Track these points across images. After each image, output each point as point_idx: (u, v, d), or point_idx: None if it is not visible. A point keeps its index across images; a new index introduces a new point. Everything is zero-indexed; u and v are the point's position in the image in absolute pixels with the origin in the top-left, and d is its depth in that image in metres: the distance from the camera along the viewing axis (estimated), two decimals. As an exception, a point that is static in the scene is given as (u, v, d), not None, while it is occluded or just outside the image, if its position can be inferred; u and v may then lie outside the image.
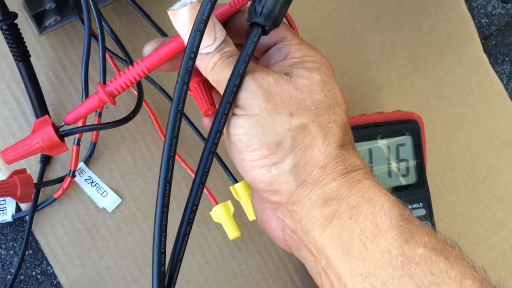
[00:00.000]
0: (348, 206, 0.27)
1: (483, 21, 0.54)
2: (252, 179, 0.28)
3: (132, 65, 0.30)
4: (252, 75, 0.28)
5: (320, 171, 0.27)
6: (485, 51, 0.53)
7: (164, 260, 0.27)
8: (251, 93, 0.28)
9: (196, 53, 0.28)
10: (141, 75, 0.30)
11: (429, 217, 0.41)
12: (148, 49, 0.31)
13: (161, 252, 0.27)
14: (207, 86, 0.35)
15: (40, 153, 0.39)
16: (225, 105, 0.28)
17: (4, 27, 0.35)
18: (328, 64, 0.30)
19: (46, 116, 0.29)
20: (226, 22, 0.31)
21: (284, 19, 0.32)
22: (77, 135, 0.37)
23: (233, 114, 0.28)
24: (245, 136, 0.27)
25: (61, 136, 0.29)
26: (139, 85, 0.37)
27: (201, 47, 0.28)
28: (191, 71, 0.28)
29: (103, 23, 0.38)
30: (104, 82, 0.37)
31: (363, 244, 0.25)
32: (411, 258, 0.25)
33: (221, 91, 0.29)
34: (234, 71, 0.28)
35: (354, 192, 0.27)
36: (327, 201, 0.27)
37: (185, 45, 0.28)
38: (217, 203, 0.39)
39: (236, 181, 0.38)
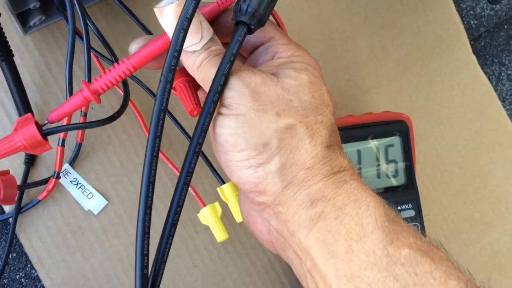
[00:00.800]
0: (333, 207, 0.26)
1: (472, 22, 0.54)
2: (238, 179, 0.28)
3: (118, 63, 0.29)
4: (238, 74, 0.28)
5: (307, 172, 0.27)
6: (474, 52, 0.53)
7: (147, 263, 0.27)
8: (237, 93, 0.27)
9: (179, 51, 0.27)
10: (126, 73, 0.29)
11: (418, 218, 0.41)
12: (134, 46, 0.30)
13: (144, 254, 0.26)
14: (193, 86, 0.34)
15: (24, 153, 0.39)
16: (210, 105, 0.28)
17: (-14, 26, 0.35)
18: (316, 64, 0.30)
19: (29, 114, 0.29)
20: (213, 21, 0.31)
21: (272, 19, 0.32)
22: (61, 135, 0.37)
23: (219, 114, 0.28)
24: (232, 136, 0.27)
25: (45, 134, 0.29)
26: (125, 85, 0.36)
27: (187, 45, 0.28)
28: (174, 69, 0.27)
29: (88, 22, 0.37)
30: (89, 81, 0.37)
31: (349, 245, 0.25)
32: (396, 259, 0.24)
33: (207, 90, 0.28)
34: (219, 70, 0.28)
35: (340, 193, 0.27)
36: (313, 202, 0.27)
37: (169, 38, 0.28)
38: (204, 205, 0.39)
39: (224, 182, 0.37)
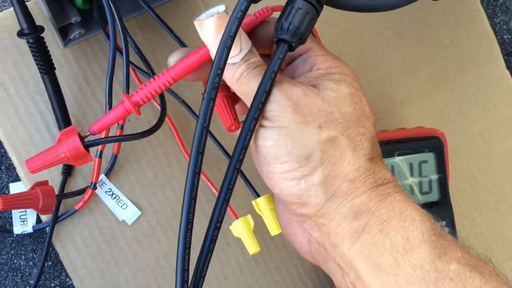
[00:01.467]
0: (378, 220, 0.26)
1: (505, 37, 0.53)
2: (280, 191, 0.28)
3: (157, 75, 0.30)
4: (279, 87, 0.28)
5: (350, 185, 0.27)
6: (508, 67, 0.52)
7: (188, 277, 0.27)
8: (279, 105, 0.27)
9: (222, 69, 0.28)
10: (166, 85, 0.30)
11: (453, 235, 0.41)
12: (173, 59, 0.31)
13: (185, 269, 0.27)
14: (231, 101, 0.34)
15: (63, 164, 0.40)
16: (251, 122, 0.28)
17: (31, 40, 0.36)
18: (354, 76, 0.30)
19: (73, 126, 0.30)
20: (251, 33, 0.31)
21: None
22: (99, 147, 0.38)
23: (261, 126, 0.28)
24: (274, 148, 0.27)
25: (86, 146, 0.29)
26: (162, 98, 0.37)
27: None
28: (217, 87, 0.28)
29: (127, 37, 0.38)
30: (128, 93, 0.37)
31: (394, 258, 0.25)
32: (444, 274, 0.24)
33: (247, 102, 0.29)
34: (259, 88, 0.28)
35: (384, 206, 0.26)
36: (357, 215, 0.27)
37: (211, 55, 0.28)
38: (237, 217, 0.39)
39: (258, 195, 0.38)
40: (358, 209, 0.27)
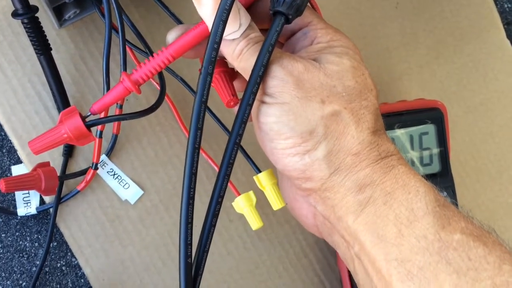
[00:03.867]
0: (382, 192, 0.26)
1: (505, 6, 0.53)
2: (284, 166, 0.28)
3: (156, 53, 0.29)
4: (280, 62, 0.27)
5: (354, 158, 0.27)
6: (508, 36, 0.52)
7: (191, 252, 0.27)
8: (281, 81, 0.27)
9: (219, 43, 0.28)
10: (165, 62, 0.29)
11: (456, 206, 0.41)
12: (171, 36, 0.30)
13: (188, 243, 0.27)
14: (229, 77, 0.34)
15: (64, 145, 0.40)
16: (249, 96, 0.28)
17: (26, 21, 0.35)
18: (356, 48, 0.30)
19: (73, 106, 0.29)
20: (250, 8, 0.31)
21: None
22: (99, 127, 0.38)
23: (263, 102, 0.28)
24: (277, 125, 0.27)
25: (88, 126, 0.29)
26: (161, 76, 0.37)
27: (226, 33, 0.28)
28: (214, 61, 0.28)
29: (122, 15, 0.38)
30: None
31: (398, 230, 0.25)
32: (448, 244, 0.24)
33: (248, 78, 0.28)
34: (257, 61, 0.28)
35: (388, 178, 0.26)
36: (361, 188, 0.27)
37: (210, 32, 0.28)
38: (239, 194, 0.39)
39: (259, 171, 0.38)
40: (363, 181, 0.27)
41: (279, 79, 0.27)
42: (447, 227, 0.25)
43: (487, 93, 0.50)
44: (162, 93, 0.35)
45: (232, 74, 0.35)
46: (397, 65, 0.49)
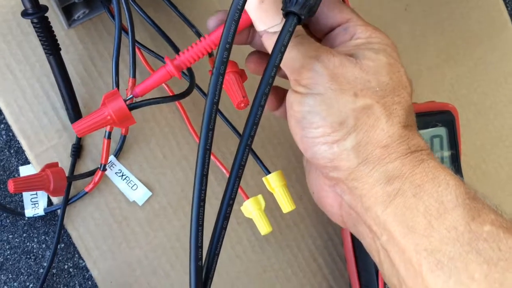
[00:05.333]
0: (411, 184, 0.26)
1: (517, 8, 0.52)
2: (313, 155, 0.29)
3: (200, 40, 0.30)
4: (318, 56, 0.28)
5: (382, 150, 0.27)
6: (519, 39, 0.51)
7: (202, 255, 0.27)
8: (316, 74, 0.28)
9: (231, 44, 0.27)
10: (208, 49, 0.30)
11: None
12: (212, 22, 0.31)
13: (198, 246, 0.27)
14: (239, 78, 0.34)
15: (70, 146, 0.39)
16: (261, 97, 0.28)
17: (35, 21, 0.35)
18: (394, 46, 0.30)
19: (115, 89, 0.30)
20: None
21: (342, 1, 0.32)
22: (108, 128, 0.37)
23: (297, 92, 0.29)
24: (310, 114, 0.28)
25: (130, 108, 0.30)
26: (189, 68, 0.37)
27: (269, 25, 0.29)
28: (226, 62, 0.27)
29: (141, 13, 0.38)
30: (134, 75, 0.37)
31: (428, 221, 0.25)
32: (478, 235, 0.24)
33: (286, 70, 0.29)
34: (269, 63, 0.28)
35: (417, 172, 0.27)
36: (390, 179, 0.27)
37: (253, 22, 0.29)
38: (247, 197, 0.39)
39: (269, 172, 0.37)
40: (391, 173, 0.27)
41: (315, 71, 0.28)
42: (477, 219, 0.25)
43: (498, 96, 0.50)
44: (192, 81, 0.35)
45: (242, 75, 0.35)
46: (407, 67, 0.48)
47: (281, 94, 0.34)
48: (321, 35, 0.32)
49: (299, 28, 0.29)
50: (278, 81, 0.45)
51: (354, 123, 0.27)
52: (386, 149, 0.27)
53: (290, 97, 0.29)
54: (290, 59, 0.28)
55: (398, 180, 0.27)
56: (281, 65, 0.29)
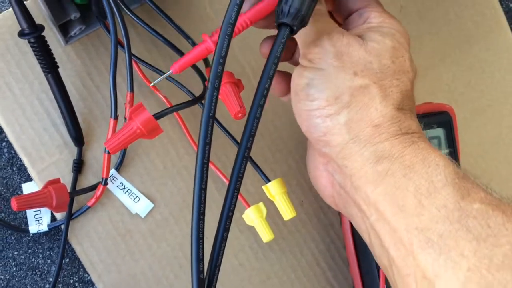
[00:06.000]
0: (401, 165, 0.27)
1: (511, 5, 0.52)
2: (308, 128, 0.30)
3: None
4: (328, 34, 0.29)
5: (374, 130, 0.28)
6: (514, 36, 0.51)
7: (203, 267, 0.27)
8: (323, 50, 0.29)
9: (224, 58, 0.28)
10: (244, 26, 0.31)
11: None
12: (246, 3, 0.32)
13: (200, 259, 0.27)
14: (236, 88, 0.34)
15: (71, 161, 0.40)
16: (256, 109, 0.28)
17: (32, 40, 0.36)
18: (405, 33, 0.31)
19: (140, 102, 0.31)
20: None
21: None
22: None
23: (301, 66, 0.30)
24: (307, 86, 0.29)
25: (157, 118, 0.31)
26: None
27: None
28: (220, 76, 0.28)
29: (140, 23, 0.39)
30: (132, 89, 0.37)
31: (418, 200, 0.26)
32: (468, 213, 0.25)
33: (299, 44, 0.30)
34: (263, 74, 0.28)
35: (407, 153, 0.27)
36: (379, 159, 0.27)
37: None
38: (249, 206, 0.39)
39: (269, 180, 0.38)
40: (381, 154, 0.27)
41: (322, 47, 0.29)
42: (466, 198, 0.25)
43: (495, 94, 0.50)
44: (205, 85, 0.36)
45: (238, 85, 0.35)
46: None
47: (289, 82, 0.35)
48: (341, 20, 0.33)
49: (321, 7, 0.30)
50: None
51: (349, 99, 0.28)
52: (377, 129, 0.28)
53: (294, 72, 0.31)
54: (304, 34, 0.30)
55: (387, 160, 0.27)
56: (296, 37, 0.30)
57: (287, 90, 0.35)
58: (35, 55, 0.37)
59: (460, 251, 0.24)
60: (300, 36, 0.30)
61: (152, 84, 0.34)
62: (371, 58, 0.29)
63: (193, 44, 0.41)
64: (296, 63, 0.34)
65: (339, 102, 0.28)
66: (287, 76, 0.35)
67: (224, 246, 0.28)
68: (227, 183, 0.41)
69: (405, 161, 0.27)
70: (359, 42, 0.29)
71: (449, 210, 0.25)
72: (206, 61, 0.40)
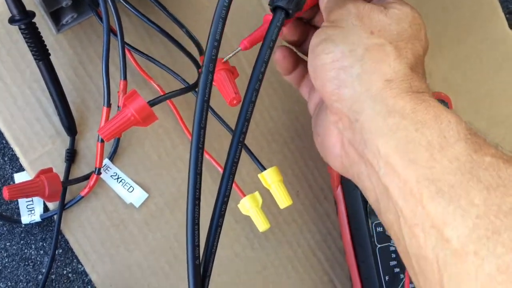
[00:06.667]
0: (413, 120, 0.27)
1: (507, -5, 0.52)
2: (322, 82, 0.30)
3: None
4: (355, 1, 0.31)
5: (385, 84, 0.28)
6: (510, 26, 0.51)
7: (199, 253, 0.27)
8: (346, 11, 0.30)
9: (219, 41, 0.27)
10: (309, 4, 0.32)
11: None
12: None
13: (195, 245, 0.27)
14: (230, 75, 0.34)
15: (64, 151, 0.39)
16: (252, 93, 0.28)
17: (23, 27, 0.35)
18: (420, 18, 0.32)
19: (133, 89, 0.30)
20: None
21: None
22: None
23: (322, 27, 0.31)
24: (325, 41, 0.30)
25: (151, 105, 0.30)
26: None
27: None
28: (215, 60, 0.27)
29: (134, 11, 0.38)
30: (125, 77, 0.37)
31: (430, 154, 0.26)
32: (479, 164, 0.25)
33: (323, 10, 0.32)
34: (258, 58, 0.28)
35: (419, 109, 0.27)
36: (391, 113, 0.28)
37: None
38: (244, 195, 0.39)
39: (264, 169, 0.37)
40: (392, 108, 0.28)
41: (346, 9, 0.30)
42: (478, 151, 0.25)
43: (492, 84, 0.50)
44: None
45: (233, 72, 0.35)
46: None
47: (295, 59, 0.36)
48: None
49: None
50: (269, 77, 0.45)
51: (363, 53, 0.29)
52: (389, 83, 0.28)
53: (314, 34, 0.31)
54: (328, 1, 0.31)
55: (399, 115, 0.27)
56: (320, 3, 0.32)
57: (292, 66, 0.36)
58: (26, 42, 0.36)
59: (470, 200, 0.24)
60: (324, 2, 0.32)
61: (225, 59, 0.33)
62: (391, 21, 0.30)
63: (187, 33, 0.40)
64: (305, 52, 0.34)
65: (353, 55, 0.29)
66: (292, 52, 0.36)
67: (220, 232, 0.28)
68: (221, 171, 0.41)
69: (417, 116, 0.27)
70: (380, 9, 0.30)
71: (461, 162, 0.25)
72: (199, 48, 0.40)
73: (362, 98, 0.28)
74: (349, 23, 0.30)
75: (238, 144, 0.28)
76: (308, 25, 0.36)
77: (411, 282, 0.39)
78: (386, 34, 0.30)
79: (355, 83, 0.29)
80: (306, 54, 0.33)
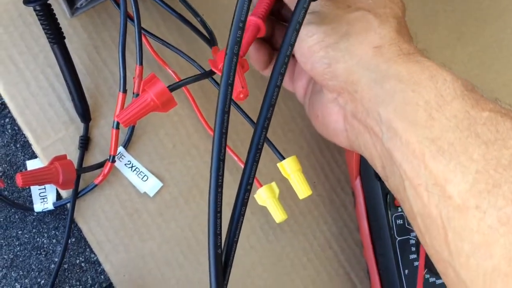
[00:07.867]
0: (409, 82, 0.27)
1: (528, -16, 0.51)
2: (312, 64, 0.30)
3: None
4: None
5: (375, 50, 0.28)
6: (531, 15, 0.50)
7: (221, 242, 0.26)
8: (327, 1, 0.31)
9: (244, 22, 0.26)
10: None
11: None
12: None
13: (217, 234, 0.26)
14: (240, 68, 0.33)
15: (77, 138, 0.38)
16: (277, 77, 0.27)
17: (38, 8, 0.34)
18: None
19: (152, 73, 0.30)
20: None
21: None
22: (116, 118, 0.36)
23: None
24: (305, 26, 0.30)
25: (171, 90, 0.29)
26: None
27: None
28: (240, 41, 0.26)
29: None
30: (141, 63, 0.36)
31: (429, 114, 0.26)
32: (477, 120, 0.25)
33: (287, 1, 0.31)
34: (284, 41, 0.27)
35: (413, 71, 0.27)
36: (386, 78, 0.28)
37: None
38: (261, 185, 0.38)
39: (283, 158, 0.36)
40: (386, 73, 0.28)
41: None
42: (476, 107, 0.25)
43: (511, 74, 0.49)
44: None
45: (244, 65, 0.34)
46: (418, 47, 0.47)
47: (269, 50, 0.36)
48: None
49: None
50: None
51: (347, 27, 0.29)
52: (379, 50, 0.28)
53: None
54: None
55: (394, 78, 0.27)
56: None
57: (267, 58, 0.35)
58: (41, 24, 0.35)
59: (469, 156, 0.24)
60: None
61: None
62: None
63: (202, 22, 0.39)
64: (284, 19, 0.35)
65: (337, 31, 0.29)
66: (264, 44, 0.36)
67: (242, 221, 0.27)
68: (238, 162, 0.40)
69: (412, 78, 0.27)
70: None
71: (459, 119, 0.25)
72: (212, 37, 0.39)
73: (355, 69, 0.29)
74: (323, 4, 0.30)
75: (262, 130, 0.27)
76: (274, 20, 0.36)
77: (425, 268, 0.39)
78: (362, 5, 0.30)
79: (346, 56, 0.29)
80: (275, 49, 0.32)
